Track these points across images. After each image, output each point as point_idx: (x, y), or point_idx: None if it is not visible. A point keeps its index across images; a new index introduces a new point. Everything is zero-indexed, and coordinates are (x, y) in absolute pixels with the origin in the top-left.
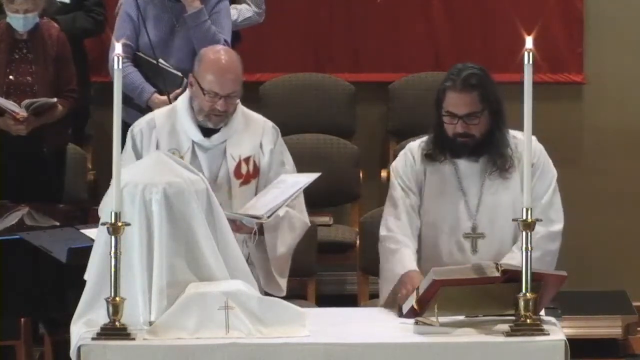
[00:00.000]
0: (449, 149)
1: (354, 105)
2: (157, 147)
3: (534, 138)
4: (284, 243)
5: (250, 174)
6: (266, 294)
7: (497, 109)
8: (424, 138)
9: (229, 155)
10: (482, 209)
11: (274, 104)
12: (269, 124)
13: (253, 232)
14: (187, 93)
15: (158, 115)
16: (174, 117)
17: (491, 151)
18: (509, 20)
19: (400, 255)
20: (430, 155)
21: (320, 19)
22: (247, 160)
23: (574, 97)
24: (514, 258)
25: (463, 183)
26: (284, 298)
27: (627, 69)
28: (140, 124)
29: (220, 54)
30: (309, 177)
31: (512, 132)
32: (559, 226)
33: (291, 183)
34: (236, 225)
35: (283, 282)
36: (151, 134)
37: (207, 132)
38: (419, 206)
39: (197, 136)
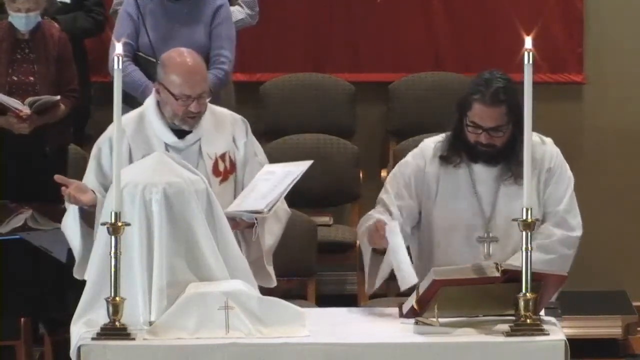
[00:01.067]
0: (467, 152)
1: (354, 105)
2: (130, 154)
3: (550, 141)
4: (272, 234)
5: (228, 170)
6: (263, 290)
7: (521, 118)
8: (441, 137)
9: (205, 155)
10: (496, 213)
11: (274, 104)
12: (237, 117)
13: (254, 227)
14: (152, 97)
15: (126, 121)
16: (143, 122)
17: (510, 159)
18: (509, 20)
19: (370, 219)
20: (445, 158)
21: (320, 19)
22: (222, 157)
23: (574, 97)
24: (518, 259)
25: (477, 187)
26: (284, 298)
27: (627, 69)
28: (108, 132)
29: (184, 56)
30: (302, 166)
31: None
32: (577, 233)
33: (283, 174)
34: (235, 222)
35: (272, 272)
36: (122, 140)
37: (179, 134)
38: (419, 208)
39: (171, 138)
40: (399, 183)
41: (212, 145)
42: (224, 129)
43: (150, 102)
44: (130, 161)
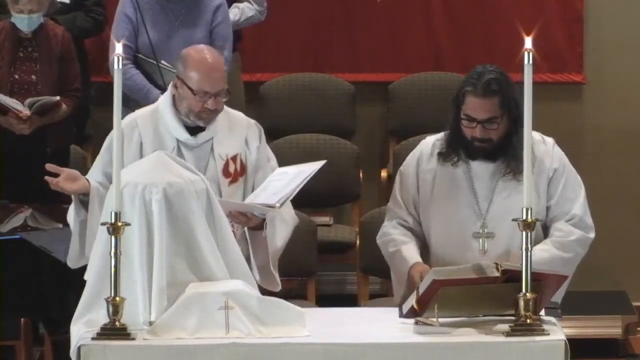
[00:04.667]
0: (464, 149)
1: (354, 105)
2: (141, 148)
3: (551, 141)
4: (280, 237)
5: (238, 172)
6: (262, 290)
7: (517, 113)
8: (440, 135)
9: (216, 155)
10: (492, 210)
11: (274, 104)
12: (252, 121)
13: (264, 222)
14: (168, 93)
15: (140, 115)
16: (157, 117)
17: (507, 154)
18: (509, 20)
19: (399, 254)
20: (443, 155)
21: (320, 19)
22: (234, 158)
23: (574, 97)
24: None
25: (475, 184)
26: (284, 298)
27: (627, 69)
28: (122, 124)
29: (204, 52)
30: (314, 165)
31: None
32: (592, 234)
33: (295, 173)
34: (247, 217)
35: (278, 277)
36: (133, 134)
37: (191, 131)
38: (424, 206)
39: (183, 135)
40: (408, 193)
41: (224, 145)
42: (238, 131)
43: (164, 98)
44: (141, 155)
